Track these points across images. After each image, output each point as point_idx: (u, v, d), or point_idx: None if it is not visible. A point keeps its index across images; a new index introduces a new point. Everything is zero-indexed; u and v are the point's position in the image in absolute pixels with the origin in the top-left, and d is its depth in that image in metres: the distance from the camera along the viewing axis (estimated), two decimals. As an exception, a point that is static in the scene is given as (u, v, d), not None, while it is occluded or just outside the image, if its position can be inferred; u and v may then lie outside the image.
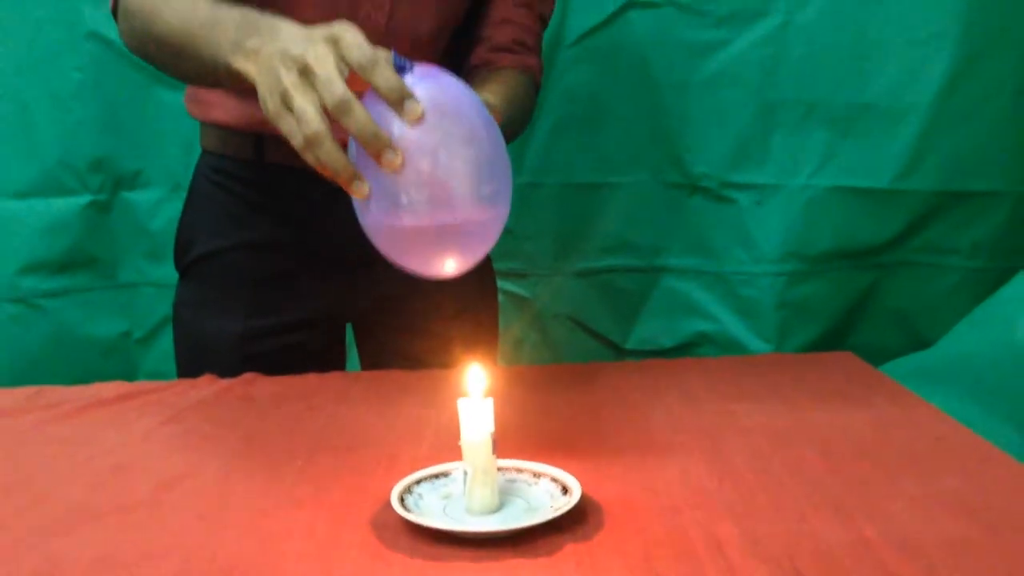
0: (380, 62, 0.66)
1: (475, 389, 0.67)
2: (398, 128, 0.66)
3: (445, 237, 0.68)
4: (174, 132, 1.51)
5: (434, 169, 0.66)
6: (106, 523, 0.67)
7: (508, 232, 0.73)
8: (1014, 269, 1.24)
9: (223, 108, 1.06)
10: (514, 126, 0.98)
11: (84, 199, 1.54)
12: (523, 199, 1.49)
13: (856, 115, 1.39)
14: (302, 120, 0.66)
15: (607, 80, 1.46)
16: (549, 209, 1.50)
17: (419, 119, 0.66)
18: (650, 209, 1.49)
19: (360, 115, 0.65)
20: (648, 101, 1.45)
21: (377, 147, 0.65)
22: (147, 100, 1.51)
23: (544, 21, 1.11)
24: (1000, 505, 0.66)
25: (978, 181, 1.38)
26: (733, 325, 1.48)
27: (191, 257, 1.12)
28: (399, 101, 0.66)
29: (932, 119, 1.36)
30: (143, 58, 0.93)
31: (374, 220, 0.69)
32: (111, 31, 1.48)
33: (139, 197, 1.56)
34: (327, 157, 0.66)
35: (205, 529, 0.66)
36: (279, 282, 1.10)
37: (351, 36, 0.68)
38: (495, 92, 0.95)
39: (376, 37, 0.99)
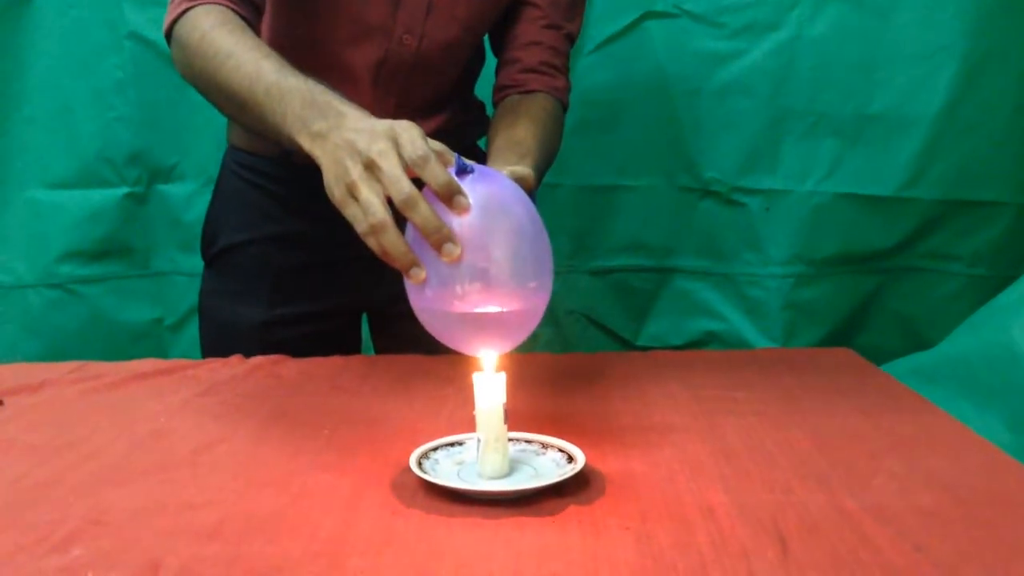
0: (431, 160, 0.71)
1: (488, 363, 0.73)
2: (456, 224, 0.71)
3: (491, 324, 0.73)
4: (208, 128, 1.57)
5: (487, 263, 0.71)
6: (149, 479, 0.73)
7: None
8: (1013, 277, 1.28)
9: None
10: (548, 163, 1.03)
11: (121, 191, 1.60)
12: (541, 199, 1.54)
13: (863, 125, 1.45)
14: (368, 210, 0.72)
15: (624, 87, 1.51)
16: (566, 209, 1.56)
17: (465, 212, 0.71)
18: (663, 211, 1.54)
19: (425, 210, 0.70)
20: (663, 108, 1.51)
21: (439, 239, 0.70)
22: (183, 98, 1.56)
23: (571, 40, 1.14)
24: (975, 483, 0.71)
25: (981, 191, 1.43)
26: (740, 325, 1.53)
27: (217, 248, 1.18)
28: (448, 196, 0.70)
29: (937, 130, 1.41)
30: (198, 91, 0.95)
31: (426, 303, 0.73)
32: (151, 32, 1.55)
33: (173, 190, 1.63)
34: (389, 244, 0.71)
35: (240, 486, 0.72)
36: (301, 274, 1.15)
37: (408, 134, 0.73)
38: (528, 136, 0.99)
39: (409, 58, 1.05)
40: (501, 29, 1.13)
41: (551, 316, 1.60)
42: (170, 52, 0.98)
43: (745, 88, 1.48)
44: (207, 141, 1.58)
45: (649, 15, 1.49)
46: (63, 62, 1.56)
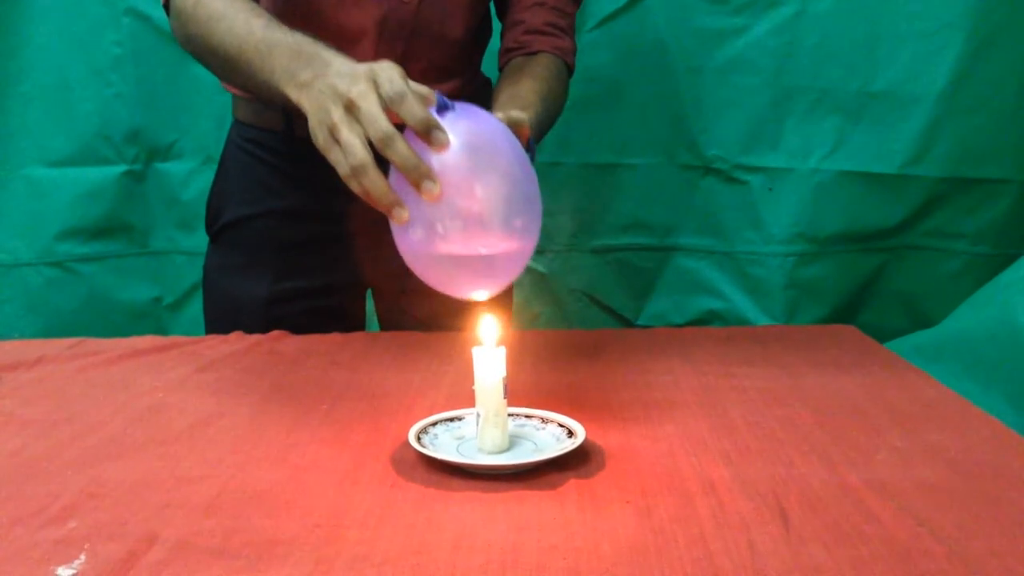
0: (407, 96, 0.70)
1: (489, 338, 0.72)
2: (437, 162, 0.70)
3: (476, 264, 0.72)
4: (207, 106, 1.56)
5: (469, 201, 0.70)
6: (146, 453, 0.73)
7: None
8: (1017, 255, 1.28)
9: None
10: (550, 119, 1.02)
11: (120, 169, 1.60)
12: (542, 178, 1.50)
13: (867, 102, 1.43)
14: (348, 152, 0.71)
15: (625, 64, 1.50)
16: (567, 188, 1.55)
17: (444, 148, 0.70)
18: (664, 190, 1.53)
19: (402, 147, 0.69)
20: (665, 85, 1.50)
21: (417, 177, 0.69)
22: (182, 75, 1.56)
23: (577, 1, 1.13)
24: (978, 458, 0.70)
25: (985, 169, 1.42)
26: (742, 303, 1.52)
27: (221, 223, 1.17)
28: (425, 131, 0.70)
29: (941, 107, 1.40)
30: (196, 59, 0.96)
31: (411, 245, 0.72)
32: (149, 8, 1.54)
33: (172, 168, 1.62)
34: (371, 185, 0.71)
35: (237, 461, 0.71)
36: (305, 248, 1.15)
37: (386, 73, 0.72)
38: (530, 91, 0.97)
39: (410, 19, 1.04)
40: None
41: (553, 295, 1.59)
42: (169, 24, 0.98)
43: (748, 65, 1.46)
44: (206, 119, 1.57)
45: (651, -9, 1.47)
46: (61, 39, 1.55)
